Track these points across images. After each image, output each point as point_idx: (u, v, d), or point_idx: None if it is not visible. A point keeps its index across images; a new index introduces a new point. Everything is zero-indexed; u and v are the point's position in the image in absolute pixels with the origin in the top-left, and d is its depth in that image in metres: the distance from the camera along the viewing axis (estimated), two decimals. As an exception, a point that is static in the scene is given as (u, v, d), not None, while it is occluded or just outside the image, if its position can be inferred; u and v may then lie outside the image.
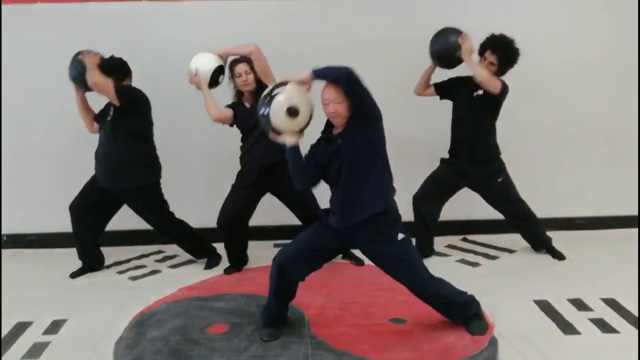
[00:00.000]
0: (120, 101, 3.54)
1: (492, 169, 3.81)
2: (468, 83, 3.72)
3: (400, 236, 2.76)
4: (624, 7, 4.31)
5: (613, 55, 4.34)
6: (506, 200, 3.91)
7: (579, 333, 2.91)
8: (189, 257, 4.07)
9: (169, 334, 2.87)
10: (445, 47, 3.64)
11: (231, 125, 3.70)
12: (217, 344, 2.77)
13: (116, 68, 3.63)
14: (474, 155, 3.76)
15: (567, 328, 2.96)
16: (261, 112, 2.70)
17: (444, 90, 3.87)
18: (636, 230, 4.39)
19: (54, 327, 3.06)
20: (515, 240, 4.17)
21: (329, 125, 2.77)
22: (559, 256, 3.93)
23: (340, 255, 3.96)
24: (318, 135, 2.80)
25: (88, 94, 3.73)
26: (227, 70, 3.65)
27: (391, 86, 4.21)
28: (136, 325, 2.98)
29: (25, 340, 2.93)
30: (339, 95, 2.62)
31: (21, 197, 4.33)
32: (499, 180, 3.82)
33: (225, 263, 3.90)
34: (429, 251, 4.00)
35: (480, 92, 3.67)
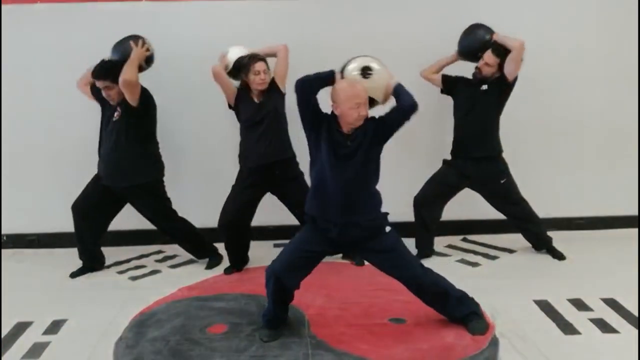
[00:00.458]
0: (139, 104, 3.56)
1: (495, 170, 3.81)
2: (471, 84, 3.73)
3: (387, 229, 2.81)
4: (624, 8, 4.31)
5: (613, 56, 4.33)
6: (508, 201, 3.91)
7: (579, 333, 2.91)
8: (189, 257, 4.07)
9: (169, 334, 2.87)
10: (473, 46, 3.74)
11: (230, 107, 3.68)
12: (217, 344, 2.77)
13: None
14: (478, 152, 3.76)
15: (567, 328, 2.96)
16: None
17: (449, 84, 3.86)
18: (636, 230, 4.39)
19: (54, 327, 3.06)
20: (515, 240, 4.17)
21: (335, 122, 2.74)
22: (559, 256, 3.93)
23: (340, 255, 3.97)
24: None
25: None
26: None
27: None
28: (136, 325, 2.98)
29: (26, 340, 2.93)
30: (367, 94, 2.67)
31: (21, 197, 4.33)
32: (502, 182, 3.82)
33: (225, 263, 3.90)
34: (429, 251, 4.00)
35: (485, 87, 3.68)
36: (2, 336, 2.97)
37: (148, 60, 3.67)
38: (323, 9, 4.24)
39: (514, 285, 3.49)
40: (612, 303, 3.21)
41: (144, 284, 3.70)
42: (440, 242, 4.15)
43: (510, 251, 4.12)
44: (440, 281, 2.86)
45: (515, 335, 2.85)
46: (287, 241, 4.21)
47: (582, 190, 4.51)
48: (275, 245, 4.23)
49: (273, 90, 3.64)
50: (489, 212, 4.11)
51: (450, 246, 4.23)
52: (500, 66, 3.66)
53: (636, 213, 4.48)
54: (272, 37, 4.09)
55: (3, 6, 4.08)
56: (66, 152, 4.27)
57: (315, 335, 2.83)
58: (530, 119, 4.32)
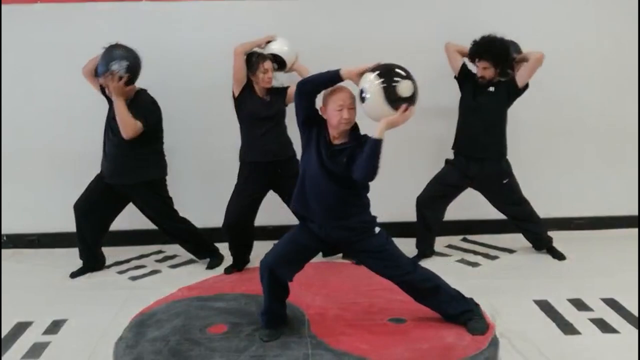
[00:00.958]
0: (149, 127, 3.58)
1: (498, 170, 3.80)
2: (479, 84, 3.72)
3: (377, 230, 2.82)
4: (624, 7, 4.31)
5: (613, 56, 4.33)
6: (509, 202, 3.91)
7: (579, 333, 2.91)
8: (189, 257, 4.07)
9: (169, 334, 2.88)
10: None
11: (234, 97, 3.67)
12: (217, 344, 2.77)
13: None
14: (481, 152, 3.74)
15: (567, 328, 2.96)
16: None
17: (464, 75, 3.81)
18: (636, 230, 4.39)
19: (54, 327, 3.06)
20: (515, 240, 4.17)
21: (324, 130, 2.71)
22: (559, 256, 3.93)
23: (340, 255, 3.97)
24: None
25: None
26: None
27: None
28: (136, 325, 2.99)
29: (26, 340, 2.93)
30: (354, 100, 2.64)
31: (21, 197, 4.33)
32: (505, 182, 3.81)
33: (226, 262, 3.89)
34: (429, 251, 4.00)
35: (492, 88, 3.68)
36: (2, 336, 2.97)
37: (133, 79, 3.56)
38: (326, 9, 4.23)
39: (514, 285, 3.49)
40: (612, 303, 3.21)
41: (144, 284, 3.70)
42: (440, 242, 4.15)
43: (510, 251, 4.12)
44: (432, 277, 2.87)
45: (515, 335, 2.85)
46: (287, 241, 4.28)
47: (582, 190, 4.51)
48: (275, 246, 4.22)
49: (282, 93, 3.67)
50: (489, 212, 4.11)
51: (450, 246, 4.23)
52: (497, 65, 3.65)
53: (636, 213, 4.48)
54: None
55: (3, 6, 4.08)
56: (66, 152, 4.27)
57: (315, 335, 2.83)
58: (530, 119, 4.32)
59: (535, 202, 3.96)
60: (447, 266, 3.80)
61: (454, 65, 3.83)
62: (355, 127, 2.71)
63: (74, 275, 3.79)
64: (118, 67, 3.43)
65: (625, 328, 2.95)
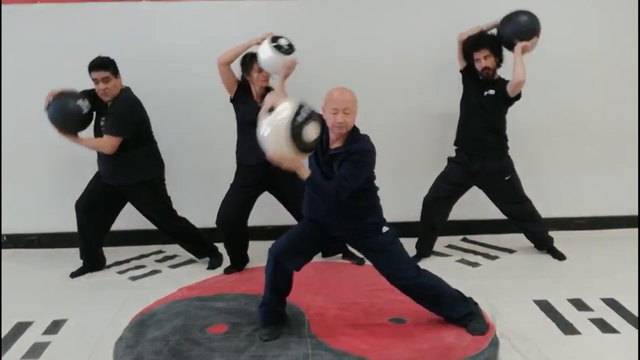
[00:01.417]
0: (128, 135, 3.57)
1: (500, 167, 3.79)
2: (480, 85, 3.71)
3: (385, 229, 2.83)
4: (624, 7, 4.30)
5: (614, 56, 4.33)
6: (511, 200, 3.90)
7: (579, 333, 2.91)
8: (189, 257, 4.06)
9: (169, 334, 2.88)
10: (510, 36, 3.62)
11: (231, 100, 3.66)
12: (217, 344, 2.78)
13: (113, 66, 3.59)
14: (483, 151, 3.74)
15: (567, 328, 2.96)
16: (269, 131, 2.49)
17: (468, 72, 3.78)
18: (636, 230, 4.39)
19: (54, 327, 3.06)
20: (515, 240, 4.17)
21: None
22: (559, 256, 3.93)
23: (340, 255, 3.97)
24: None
25: None
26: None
27: (397, 88, 4.24)
28: (136, 325, 2.99)
29: (26, 340, 2.93)
30: (353, 104, 2.64)
31: (21, 197, 4.33)
32: (507, 178, 3.81)
33: (226, 262, 3.89)
34: (429, 252, 4.00)
35: (492, 92, 3.67)
36: (3, 336, 2.97)
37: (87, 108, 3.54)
38: (327, 9, 4.23)
39: (514, 285, 3.49)
40: (612, 303, 3.21)
41: (144, 284, 3.70)
42: (440, 242, 4.14)
43: (510, 251, 4.12)
44: (435, 285, 2.86)
45: (515, 335, 2.85)
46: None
47: (582, 190, 4.51)
48: (275, 246, 4.22)
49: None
50: (489, 212, 4.11)
51: (450, 246, 4.23)
52: (495, 51, 3.63)
53: (636, 213, 4.48)
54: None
55: (3, 6, 4.08)
56: (66, 152, 4.25)
57: (315, 335, 2.84)
58: (531, 120, 4.32)
59: (536, 202, 3.96)
60: (447, 266, 3.80)
61: (461, 58, 3.80)
62: (354, 130, 2.70)
63: (74, 275, 3.79)
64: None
65: (625, 328, 2.95)
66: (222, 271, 3.82)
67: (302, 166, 2.59)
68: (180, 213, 3.91)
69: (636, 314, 3.07)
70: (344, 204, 2.68)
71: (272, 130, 2.46)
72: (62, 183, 4.26)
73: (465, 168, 3.80)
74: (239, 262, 3.86)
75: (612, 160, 4.49)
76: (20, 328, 3.05)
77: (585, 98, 4.38)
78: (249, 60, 3.55)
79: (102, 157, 3.69)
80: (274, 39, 3.35)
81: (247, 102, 3.61)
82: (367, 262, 3.81)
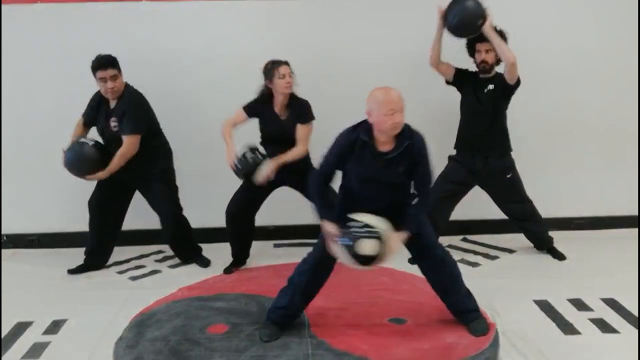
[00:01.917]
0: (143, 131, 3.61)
1: (502, 165, 3.78)
2: (478, 82, 3.70)
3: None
4: (624, 7, 4.31)
5: (613, 55, 4.33)
6: (512, 199, 3.89)
7: (579, 333, 2.91)
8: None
9: (169, 334, 2.88)
10: (466, 20, 3.50)
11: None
12: (217, 344, 2.78)
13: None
14: (486, 149, 3.73)
15: (567, 328, 2.96)
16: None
17: (460, 77, 3.77)
18: (636, 230, 4.39)
19: (54, 327, 3.06)
20: (515, 240, 4.17)
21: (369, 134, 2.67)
22: (559, 256, 3.93)
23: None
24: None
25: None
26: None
27: (396, 84, 4.23)
28: (136, 325, 2.99)
29: (26, 340, 2.93)
30: (403, 103, 2.62)
31: (21, 197, 4.33)
32: (508, 176, 3.80)
33: (226, 262, 3.89)
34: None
35: (491, 87, 3.65)
36: (3, 336, 2.97)
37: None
38: (326, 9, 4.23)
39: (514, 285, 3.49)
40: (612, 303, 3.21)
41: (144, 284, 3.70)
42: (440, 242, 4.14)
43: (510, 251, 4.12)
44: (454, 263, 2.93)
45: (515, 335, 2.85)
46: (287, 241, 4.28)
47: (582, 190, 4.51)
48: (276, 245, 4.22)
49: (303, 115, 3.54)
50: (489, 212, 4.11)
51: (450, 246, 4.21)
52: None
53: (636, 213, 4.48)
54: (273, 37, 4.10)
55: (3, 6, 4.08)
56: (66, 152, 4.27)
57: (316, 335, 2.84)
58: (531, 119, 4.32)
59: (536, 202, 3.96)
60: (447, 266, 3.80)
61: (447, 71, 3.78)
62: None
63: (72, 272, 3.79)
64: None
65: (625, 328, 2.95)
66: (222, 271, 3.82)
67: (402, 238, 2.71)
68: (181, 213, 3.92)
69: (636, 314, 3.07)
70: (395, 205, 2.75)
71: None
72: (62, 183, 4.24)
73: (467, 167, 3.79)
74: (240, 258, 3.85)
75: (612, 160, 4.49)
76: (20, 328, 3.05)
77: (585, 97, 4.38)
78: (270, 67, 3.48)
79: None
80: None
81: (270, 117, 3.54)
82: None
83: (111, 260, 4.00)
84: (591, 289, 3.38)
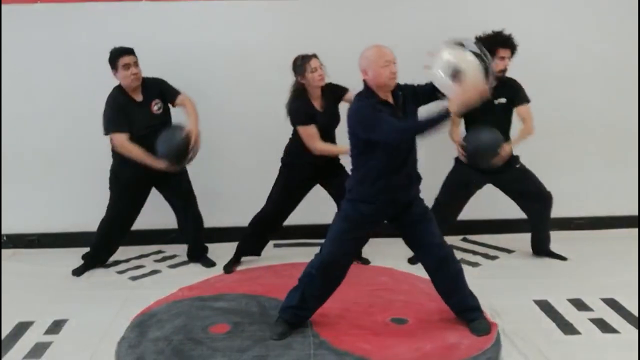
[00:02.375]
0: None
1: (509, 160, 3.77)
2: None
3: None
4: (624, 7, 4.31)
5: (613, 56, 4.34)
6: (530, 190, 3.81)
7: (579, 333, 2.92)
8: (189, 256, 4.07)
9: (171, 334, 2.88)
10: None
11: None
12: (219, 344, 2.78)
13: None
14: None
15: (567, 328, 2.96)
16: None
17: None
18: (636, 230, 4.39)
19: (55, 327, 3.06)
20: (515, 240, 4.18)
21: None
22: (559, 258, 3.93)
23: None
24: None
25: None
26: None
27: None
28: (138, 325, 2.99)
29: (27, 340, 2.93)
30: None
31: (21, 197, 4.32)
32: (517, 166, 3.77)
33: (225, 262, 3.89)
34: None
35: (503, 100, 3.63)
36: (4, 336, 2.97)
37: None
38: (327, 9, 4.23)
39: (514, 285, 3.49)
40: (612, 303, 3.22)
41: (144, 284, 3.70)
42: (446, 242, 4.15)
43: (510, 251, 4.13)
44: (458, 262, 2.94)
45: (515, 335, 2.86)
46: (287, 241, 4.28)
47: (582, 190, 4.51)
48: (276, 245, 4.22)
49: (338, 97, 3.56)
50: (489, 212, 4.12)
51: (450, 246, 4.22)
52: (513, 52, 3.61)
53: (636, 213, 4.49)
54: (274, 37, 4.10)
55: (3, 6, 4.08)
56: (66, 152, 4.27)
57: (318, 335, 2.84)
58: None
59: (536, 202, 3.96)
60: (447, 266, 3.80)
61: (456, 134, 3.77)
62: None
63: (76, 272, 3.79)
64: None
65: (625, 328, 2.95)
66: (222, 270, 3.82)
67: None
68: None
69: (636, 314, 3.08)
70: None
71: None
72: (62, 183, 4.25)
73: (476, 167, 3.73)
74: (240, 257, 3.86)
75: (612, 160, 4.50)
76: (22, 328, 3.05)
77: (585, 98, 4.39)
78: (301, 62, 3.46)
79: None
80: None
81: (316, 114, 3.50)
82: (370, 263, 3.88)
83: (111, 260, 4.00)
84: (591, 289, 3.38)
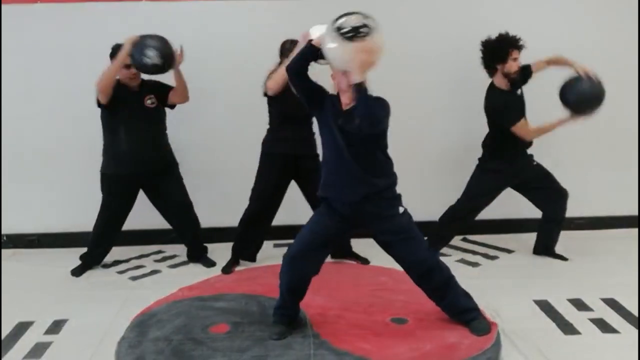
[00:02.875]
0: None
1: (528, 158, 3.80)
2: (512, 90, 3.69)
3: (401, 210, 2.82)
4: (624, 7, 4.31)
5: (613, 56, 4.33)
6: (550, 188, 3.83)
7: (579, 333, 2.92)
8: (189, 256, 4.07)
9: (171, 334, 2.88)
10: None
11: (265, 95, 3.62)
12: (219, 344, 2.78)
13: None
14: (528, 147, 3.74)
15: (567, 328, 2.96)
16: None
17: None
18: (636, 230, 4.40)
19: (55, 327, 3.06)
20: (515, 240, 4.18)
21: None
22: (559, 258, 3.93)
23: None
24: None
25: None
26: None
27: (396, 83, 4.23)
28: (138, 325, 2.99)
29: (27, 340, 2.93)
30: None
31: (21, 197, 4.33)
32: (534, 164, 3.79)
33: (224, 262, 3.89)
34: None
35: (519, 91, 3.68)
36: (4, 336, 2.97)
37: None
38: (327, 9, 4.20)
39: (514, 285, 3.50)
40: (612, 303, 3.22)
41: (143, 284, 3.70)
42: (431, 250, 4.15)
43: (510, 251, 4.13)
44: (446, 268, 2.89)
45: (515, 335, 2.86)
46: (287, 241, 4.27)
47: (582, 190, 4.50)
48: (275, 245, 4.23)
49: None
50: (489, 212, 4.10)
51: (450, 246, 4.22)
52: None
53: (636, 213, 4.49)
54: (274, 36, 4.08)
55: (3, 6, 4.08)
56: (66, 152, 4.27)
57: (318, 335, 2.83)
58: (530, 119, 4.31)
59: (536, 201, 3.97)
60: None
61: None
62: None
63: (75, 273, 3.79)
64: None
65: (625, 328, 2.95)
66: (220, 271, 3.82)
67: None
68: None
69: (636, 314, 3.08)
70: (364, 166, 2.69)
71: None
72: (62, 183, 4.26)
73: (511, 169, 3.75)
74: (245, 256, 3.86)
75: (612, 160, 4.50)
76: (22, 328, 3.05)
77: (585, 98, 4.38)
78: (289, 46, 3.45)
79: (143, 143, 3.66)
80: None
81: (291, 95, 3.44)
82: (370, 263, 3.88)
83: (111, 260, 4.00)
84: (591, 289, 3.39)
